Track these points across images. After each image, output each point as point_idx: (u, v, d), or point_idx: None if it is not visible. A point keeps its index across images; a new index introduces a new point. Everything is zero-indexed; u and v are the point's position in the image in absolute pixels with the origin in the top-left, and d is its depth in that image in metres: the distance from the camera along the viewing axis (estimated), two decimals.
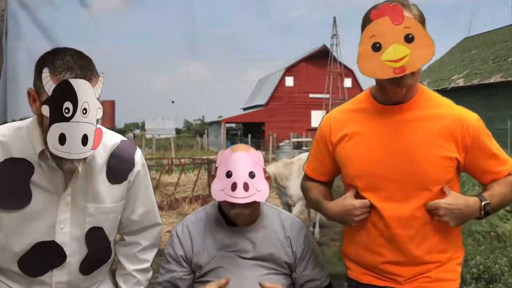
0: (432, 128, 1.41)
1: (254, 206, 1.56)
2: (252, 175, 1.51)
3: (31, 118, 1.40)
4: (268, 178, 1.60)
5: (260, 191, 1.51)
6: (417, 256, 1.45)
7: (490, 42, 18.87)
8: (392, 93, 1.43)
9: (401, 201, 1.42)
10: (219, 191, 1.51)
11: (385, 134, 1.44)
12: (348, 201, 1.48)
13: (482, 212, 1.40)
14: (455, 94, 16.85)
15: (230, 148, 1.59)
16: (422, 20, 1.37)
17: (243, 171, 1.51)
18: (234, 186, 1.48)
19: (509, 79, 14.97)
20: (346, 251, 1.61)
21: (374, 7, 1.37)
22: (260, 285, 1.55)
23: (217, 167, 1.57)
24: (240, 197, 1.48)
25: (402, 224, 1.43)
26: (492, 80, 15.66)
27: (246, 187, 1.48)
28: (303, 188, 1.72)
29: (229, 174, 1.51)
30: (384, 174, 1.43)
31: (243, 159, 1.53)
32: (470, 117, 1.45)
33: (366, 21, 1.38)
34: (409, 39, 1.30)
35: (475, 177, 1.50)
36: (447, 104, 1.48)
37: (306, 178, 1.71)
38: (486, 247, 4.69)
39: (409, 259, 1.45)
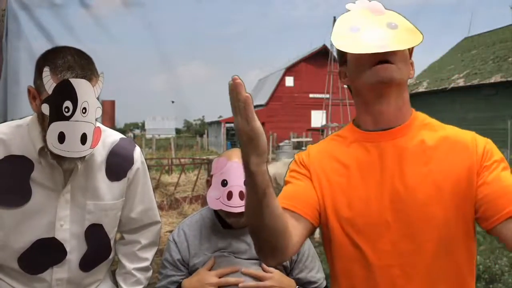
0: (436, 155, 1.11)
1: None
2: None
3: (30, 116, 1.41)
4: None
5: None
6: None
7: (490, 42, 18.87)
8: (377, 105, 1.14)
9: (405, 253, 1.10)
10: (215, 199, 1.53)
11: (372, 166, 1.13)
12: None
13: None
14: (455, 94, 16.85)
15: (225, 156, 1.59)
16: None
17: (239, 179, 1.51)
18: (229, 195, 1.50)
19: (509, 79, 14.97)
20: None
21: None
22: (262, 268, 1.56)
23: (212, 175, 1.58)
24: (236, 206, 1.50)
25: (406, 277, 1.10)
26: (492, 80, 15.65)
27: (242, 195, 1.50)
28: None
29: (224, 183, 1.52)
30: (377, 221, 1.10)
31: (238, 167, 1.52)
32: (479, 139, 1.13)
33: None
34: (392, 26, 1.10)
35: (484, 217, 1.04)
36: (450, 127, 1.18)
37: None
38: (486, 247, 4.69)
39: None
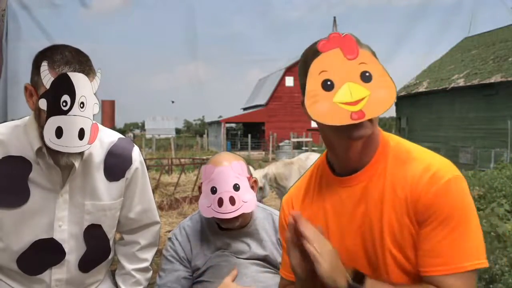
0: (391, 206, 1.08)
1: (244, 215, 1.57)
2: (237, 187, 1.52)
3: (28, 116, 1.41)
4: (255, 182, 1.61)
5: (246, 202, 1.52)
6: None
7: (490, 42, 18.85)
8: (343, 151, 1.13)
9: None
10: (206, 207, 1.53)
11: (344, 213, 1.14)
12: None
13: None
14: (455, 94, 16.84)
15: (212, 162, 1.59)
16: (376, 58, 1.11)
17: (227, 185, 1.52)
18: (220, 202, 1.50)
19: (509, 79, 14.95)
20: None
21: (321, 40, 1.08)
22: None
23: (201, 183, 1.58)
24: (228, 212, 1.50)
25: None
26: (492, 80, 15.62)
27: (232, 201, 1.50)
28: None
29: (214, 190, 1.53)
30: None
31: (226, 173, 1.53)
32: (438, 176, 1.05)
33: (309, 54, 1.10)
34: (366, 77, 1.04)
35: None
36: (415, 158, 1.10)
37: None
38: (486, 247, 4.67)
39: None
